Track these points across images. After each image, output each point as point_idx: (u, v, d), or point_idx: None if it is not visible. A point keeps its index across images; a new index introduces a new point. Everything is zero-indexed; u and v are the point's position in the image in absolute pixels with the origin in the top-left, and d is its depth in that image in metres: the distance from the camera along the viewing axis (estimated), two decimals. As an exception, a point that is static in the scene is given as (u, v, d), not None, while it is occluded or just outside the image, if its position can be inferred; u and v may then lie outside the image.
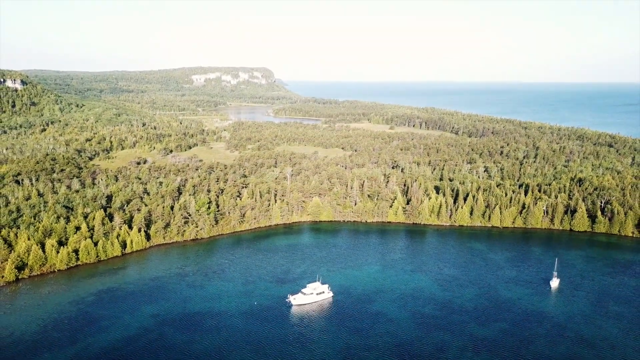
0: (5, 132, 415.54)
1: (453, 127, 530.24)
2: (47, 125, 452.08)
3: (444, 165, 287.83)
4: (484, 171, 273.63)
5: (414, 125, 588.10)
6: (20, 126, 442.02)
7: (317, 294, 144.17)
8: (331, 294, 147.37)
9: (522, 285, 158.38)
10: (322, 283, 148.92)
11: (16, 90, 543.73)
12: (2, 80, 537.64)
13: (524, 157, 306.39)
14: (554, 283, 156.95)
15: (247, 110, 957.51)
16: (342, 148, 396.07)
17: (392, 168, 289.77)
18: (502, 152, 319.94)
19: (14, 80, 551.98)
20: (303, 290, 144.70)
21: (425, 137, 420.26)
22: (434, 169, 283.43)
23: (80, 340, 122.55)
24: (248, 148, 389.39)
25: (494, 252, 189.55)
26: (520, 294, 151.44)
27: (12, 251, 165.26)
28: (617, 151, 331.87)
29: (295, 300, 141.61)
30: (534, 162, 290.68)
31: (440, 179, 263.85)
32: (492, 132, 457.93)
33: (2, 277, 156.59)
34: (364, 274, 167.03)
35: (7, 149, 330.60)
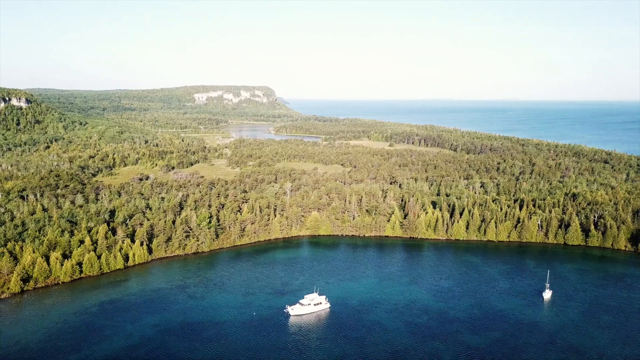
0: (10, 149, 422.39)
1: (452, 144, 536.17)
2: (51, 142, 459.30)
3: (441, 181, 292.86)
4: (481, 187, 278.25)
5: (412, 143, 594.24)
6: (25, 143, 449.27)
7: (315, 304, 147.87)
8: (328, 305, 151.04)
9: (515, 296, 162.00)
10: (320, 294, 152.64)
11: (21, 108, 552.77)
12: (7, 98, 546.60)
13: (520, 173, 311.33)
14: (547, 294, 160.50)
15: (249, 128, 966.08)
16: (342, 164, 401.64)
17: (390, 184, 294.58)
18: (498, 169, 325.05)
19: (19, 98, 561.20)
20: (301, 301, 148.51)
21: (423, 154, 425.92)
22: (432, 185, 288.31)
23: (84, 349, 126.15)
24: (249, 165, 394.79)
25: (489, 265, 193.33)
26: (513, 305, 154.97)
27: (18, 264, 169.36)
28: (612, 167, 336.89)
29: (293, 310, 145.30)
30: (530, 177, 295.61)
31: (438, 194, 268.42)
32: (490, 149, 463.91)
33: (8, 288, 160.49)
34: (361, 286, 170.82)
35: (11, 165, 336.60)
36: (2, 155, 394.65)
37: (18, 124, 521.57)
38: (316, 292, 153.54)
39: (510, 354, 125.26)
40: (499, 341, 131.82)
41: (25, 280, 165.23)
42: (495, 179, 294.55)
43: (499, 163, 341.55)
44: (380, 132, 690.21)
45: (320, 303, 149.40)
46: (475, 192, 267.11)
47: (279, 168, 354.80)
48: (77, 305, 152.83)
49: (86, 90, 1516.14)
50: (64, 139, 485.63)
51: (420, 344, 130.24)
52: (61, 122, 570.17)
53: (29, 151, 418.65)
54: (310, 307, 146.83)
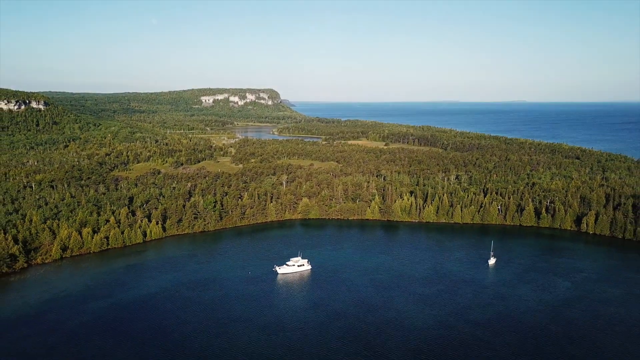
0: (32, 147, 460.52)
1: (443, 143, 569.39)
2: (69, 142, 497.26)
3: (420, 173, 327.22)
4: (455, 178, 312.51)
5: (407, 142, 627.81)
6: (46, 142, 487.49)
7: (298, 265, 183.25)
8: (310, 267, 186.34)
9: (465, 263, 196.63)
10: (303, 258, 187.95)
11: (40, 110, 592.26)
12: (27, 101, 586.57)
13: (494, 167, 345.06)
14: (491, 261, 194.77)
15: (254, 130, 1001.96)
16: (337, 161, 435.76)
17: (376, 176, 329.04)
18: (475, 163, 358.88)
19: (38, 101, 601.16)
20: (287, 262, 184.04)
21: (413, 152, 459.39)
22: (412, 177, 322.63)
23: (114, 295, 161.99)
24: (251, 161, 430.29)
25: (450, 241, 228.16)
26: (461, 268, 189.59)
27: (56, 237, 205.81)
28: (580, 162, 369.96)
29: (280, 269, 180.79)
30: (501, 171, 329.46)
31: (417, 185, 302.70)
32: (477, 147, 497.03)
33: (50, 255, 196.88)
34: (339, 255, 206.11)
35: (37, 161, 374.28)
36: (27, 153, 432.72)
37: (37, 125, 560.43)
38: (300, 256, 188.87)
39: (449, 298, 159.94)
40: (442, 291, 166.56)
41: (64, 249, 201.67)
42: (470, 172, 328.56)
43: (477, 159, 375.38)
44: (378, 133, 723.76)
45: (303, 265, 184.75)
46: (449, 183, 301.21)
47: (277, 164, 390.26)
48: (107, 267, 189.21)
49: (96, 94, 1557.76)
50: (80, 138, 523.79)
51: (379, 293, 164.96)
52: (77, 123, 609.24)
53: (49, 149, 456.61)
54: (294, 267, 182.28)
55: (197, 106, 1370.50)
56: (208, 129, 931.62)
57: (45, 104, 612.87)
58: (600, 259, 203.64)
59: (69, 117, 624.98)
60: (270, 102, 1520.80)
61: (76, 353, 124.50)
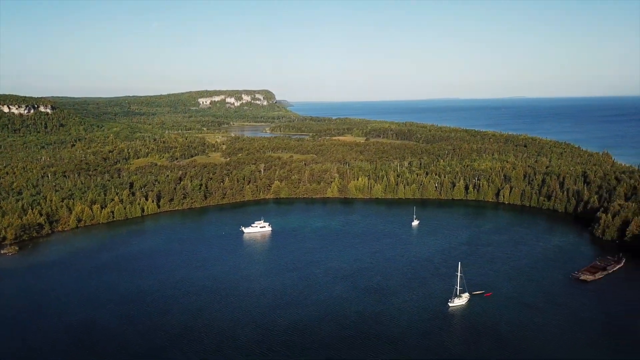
0: (43, 147, 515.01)
1: (417, 137, 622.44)
2: (76, 141, 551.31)
3: (379, 160, 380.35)
4: (408, 164, 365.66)
5: (386, 137, 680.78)
6: (54, 142, 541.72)
7: (261, 227, 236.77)
8: (270, 229, 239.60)
9: (394, 224, 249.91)
10: (265, 222, 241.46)
11: (47, 114, 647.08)
12: (36, 105, 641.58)
13: (445, 154, 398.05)
14: (414, 223, 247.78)
15: (249, 129, 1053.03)
16: (315, 154, 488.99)
17: (342, 164, 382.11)
18: (430, 152, 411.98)
19: (46, 106, 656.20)
20: (252, 225, 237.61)
21: (385, 144, 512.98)
22: (372, 163, 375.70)
23: (118, 249, 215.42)
24: (239, 155, 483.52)
25: (389, 211, 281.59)
26: (391, 228, 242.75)
27: (72, 211, 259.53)
28: (526, 149, 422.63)
29: (246, 230, 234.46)
30: (449, 157, 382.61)
31: (375, 170, 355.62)
32: (445, 139, 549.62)
33: (68, 225, 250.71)
34: (298, 220, 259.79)
35: (49, 158, 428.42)
36: (39, 151, 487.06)
37: (46, 127, 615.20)
38: (262, 220, 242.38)
39: (372, 244, 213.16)
40: (368, 240, 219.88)
41: (78, 220, 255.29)
42: (422, 158, 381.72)
43: (434, 148, 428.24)
44: (361, 129, 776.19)
45: (265, 227, 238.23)
46: (401, 167, 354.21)
47: (260, 156, 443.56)
48: (114, 232, 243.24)
49: (97, 97, 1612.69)
50: (85, 138, 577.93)
51: (322, 244, 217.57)
52: (81, 125, 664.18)
53: (59, 148, 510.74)
54: (257, 228, 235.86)
55: (194, 108, 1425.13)
56: (204, 129, 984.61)
57: (52, 108, 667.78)
58: (500, 219, 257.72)
59: (74, 119, 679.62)
60: (265, 103, 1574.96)
61: (90, 284, 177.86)
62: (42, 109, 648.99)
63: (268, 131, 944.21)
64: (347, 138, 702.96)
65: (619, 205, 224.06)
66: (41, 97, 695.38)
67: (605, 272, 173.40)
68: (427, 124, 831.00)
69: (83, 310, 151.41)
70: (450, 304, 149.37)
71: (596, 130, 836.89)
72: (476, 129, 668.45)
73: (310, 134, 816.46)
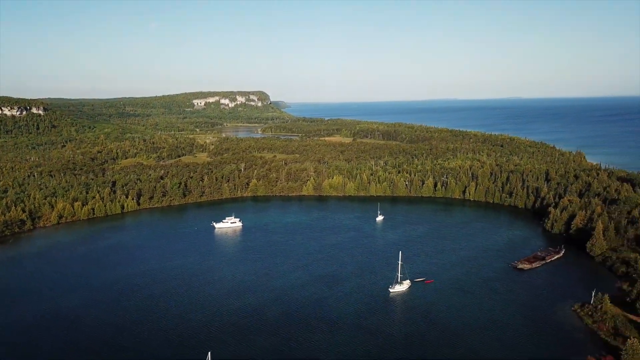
0: (34, 147, 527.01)
1: (402, 137, 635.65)
2: (66, 142, 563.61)
3: (357, 160, 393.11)
4: (384, 163, 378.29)
5: (373, 137, 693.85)
6: (45, 143, 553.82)
7: (231, 223, 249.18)
8: (241, 224, 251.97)
9: (360, 219, 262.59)
10: (235, 217, 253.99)
11: (40, 115, 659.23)
12: (28, 107, 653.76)
13: (421, 154, 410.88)
14: (379, 218, 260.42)
15: (243, 130, 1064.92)
16: (299, 154, 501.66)
17: (321, 163, 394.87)
18: (407, 151, 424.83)
19: (38, 107, 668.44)
20: (223, 220, 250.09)
21: (367, 145, 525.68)
22: (350, 162, 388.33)
23: (100, 242, 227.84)
24: (224, 155, 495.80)
25: (359, 206, 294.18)
26: (356, 223, 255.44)
27: (54, 208, 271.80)
28: (502, 148, 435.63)
29: (217, 225, 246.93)
30: (423, 156, 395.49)
31: (352, 169, 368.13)
32: (428, 139, 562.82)
33: (50, 221, 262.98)
34: (269, 216, 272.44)
35: (38, 158, 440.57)
36: (29, 152, 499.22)
37: (38, 128, 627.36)
38: (233, 216, 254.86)
39: (335, 236, 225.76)
40: (329, 233, 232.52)
41: (60, 217, 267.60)
42: (398, 158, 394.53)
43: (411, 148, 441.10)
44: (350, 129, 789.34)
45: (236, 222, 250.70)
46: (376, 166, 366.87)
47: (243, 156, 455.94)
48: (94, 228, 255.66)
49: (93, 99, 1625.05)
50: (76, 139, 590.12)
51: (288, 237, 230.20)
52: (73, 126, 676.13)
53: (49, 149, 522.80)
54: (228, 224, 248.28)
55: (189, 109, 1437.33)
56: (197, 130, 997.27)
57: (45, 109, 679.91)
58: (463, 215, 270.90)
59: (66, 120, 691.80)
60: (260, 104, 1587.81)
61: (63, 273, 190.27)
62: (34, 110, 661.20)
63: (260, 132, 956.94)
64: (335, 138, 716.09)
65: (569, 200, 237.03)
66: (34, 99, 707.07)
67: (543, 262, 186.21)
68: (415, 124, 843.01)
69: (53, 297, 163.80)
70: (391, 290, 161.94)
71: (582, 130, 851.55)
72: (464, 130, 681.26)
73: (300, 134, 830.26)
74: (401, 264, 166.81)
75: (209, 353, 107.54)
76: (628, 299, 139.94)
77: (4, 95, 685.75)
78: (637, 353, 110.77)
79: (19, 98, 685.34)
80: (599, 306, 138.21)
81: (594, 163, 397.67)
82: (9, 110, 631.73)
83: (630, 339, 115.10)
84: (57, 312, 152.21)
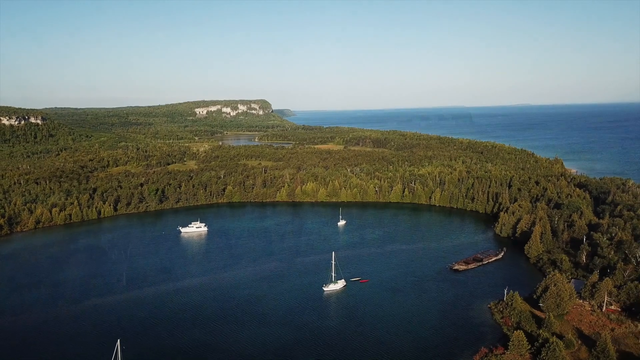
0: (29, 156, 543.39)
1: (391, 145, 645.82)
2: (61, 151, 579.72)
3: (334, 167, 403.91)
4: (359, 170, 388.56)
5: (364, 144, 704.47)
6: (40, 152, 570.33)
7: (197, 227, 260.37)
8: (206, 229, 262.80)
9: (323, 224, 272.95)
10: (201, 222, 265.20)
11: (37, 125, 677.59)
12: (27, 117, 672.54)
13: (398, 161, 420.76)
14: (340, 222, 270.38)
15: (243, 138, 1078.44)
16: (285, 161, 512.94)
17: (299, 170, 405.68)
18: (384, 158, 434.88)
19: (36, 117, 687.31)
20: (189, 225, 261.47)
21: (353, 152, 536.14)
22: (327, 169, 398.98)
23: (76, 244, 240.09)
24: (212, 163, 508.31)
25: (327, 212, 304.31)
26: (317, 227, 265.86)
27: (32, 214, 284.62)
28: (480, 155, 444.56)
29: (183, 229, 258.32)
30: (399, 163, 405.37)
31: (329, 175, 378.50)
32: (415, 147, 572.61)
33: (27, 226, 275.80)
34: (236, 222, 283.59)
35: (29, 166, 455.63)
36: (23, 160, 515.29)
37: (35, 137, 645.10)
38: (199, 221, 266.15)
39: (296, 239, 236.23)
40: (290, 235, 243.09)
41: (37, 222, 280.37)
42: (374, 165, 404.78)
43: (390, 155, 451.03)
44: (343, 137, 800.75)
45: (201, 227, 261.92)
46: (352, 174, 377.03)
47: (230, 163, 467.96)
48: (70, 232, 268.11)
49: (98, 108, 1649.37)
50: (71, 148, 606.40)
51: (249, 241, 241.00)
52: (70, 135, 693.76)
53: (43, 157, 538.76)
54: (194, 229, 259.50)
55: (191, 118, 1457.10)
56: (196, 138, 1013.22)
57: (43, 119, 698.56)
58: (424, 219, 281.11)
59: (64, 130, 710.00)
60: (261, 112, 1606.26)
61: (28, 273, 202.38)
62: (32, 120, 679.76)
63: (257, 140, 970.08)
64: (327, 146, 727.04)
65: (519, 205, 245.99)
66: (32, 109, 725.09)
67: (479, 263, 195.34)
68: (408, 132, 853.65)
69: (13, 295, 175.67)
70: (325, 289, 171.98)
71: (574, 136, 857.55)
72: (453, 137, 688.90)
73: (294, 142, 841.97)
74: (335, 264, 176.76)
75: (118, 340, 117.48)
76: (534, 296, 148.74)
77: (5, 105, 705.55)
78: (521, 343, 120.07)
79: (18, 108, 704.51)
80: (510, 303, 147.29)
81: (572, 170, 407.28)
82: (7, 119, 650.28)
83: (517, 330, 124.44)
84: (15, 308, 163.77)
